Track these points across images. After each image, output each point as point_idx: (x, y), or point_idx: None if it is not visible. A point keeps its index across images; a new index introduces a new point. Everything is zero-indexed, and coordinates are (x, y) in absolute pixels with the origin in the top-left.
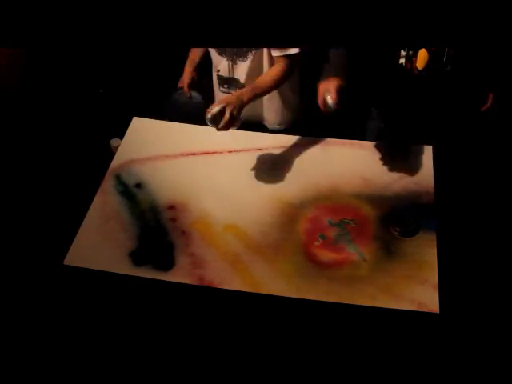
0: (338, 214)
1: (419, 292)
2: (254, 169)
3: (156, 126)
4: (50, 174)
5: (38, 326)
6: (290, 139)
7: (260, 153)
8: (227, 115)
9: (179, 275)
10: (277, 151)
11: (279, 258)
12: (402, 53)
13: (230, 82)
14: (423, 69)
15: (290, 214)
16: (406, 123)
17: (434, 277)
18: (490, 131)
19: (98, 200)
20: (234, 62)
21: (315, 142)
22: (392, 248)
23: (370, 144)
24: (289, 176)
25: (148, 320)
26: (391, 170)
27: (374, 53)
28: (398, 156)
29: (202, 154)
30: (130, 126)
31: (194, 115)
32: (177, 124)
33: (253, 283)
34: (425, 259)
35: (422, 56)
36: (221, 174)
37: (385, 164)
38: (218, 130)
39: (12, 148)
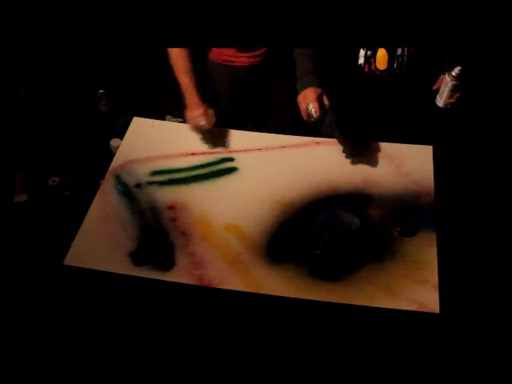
0: None
1: (419, 292)
2: (254, 169)
3: (156, 125)
4: (50, 174)
5: (39, 326)
6: (289, 139)
7: (260, 153)
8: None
9: (179, 275)
10: (277, 151)
11: (279, 257)
12: (361, 52)
13: None
14: (385, 69)
15: (290, 214)
16: (363, 124)
17: (434, 277)
18: (490, 131)
19: (97, 200)
20: None
21: (315, 142)
22: (392, 248)
23: (369, 144)
24: (289, 176)
25: (148, 320)
26: (391, 170)
27: (333, 54)
28: (397, 156)
29: (201, 154)
30: (130, 126)
31: None
32: (177, 124)
33: (253, 283)
34: (425, 259)
35: (381, 56)
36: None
37: (384, 164)
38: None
39: (13, 148)
